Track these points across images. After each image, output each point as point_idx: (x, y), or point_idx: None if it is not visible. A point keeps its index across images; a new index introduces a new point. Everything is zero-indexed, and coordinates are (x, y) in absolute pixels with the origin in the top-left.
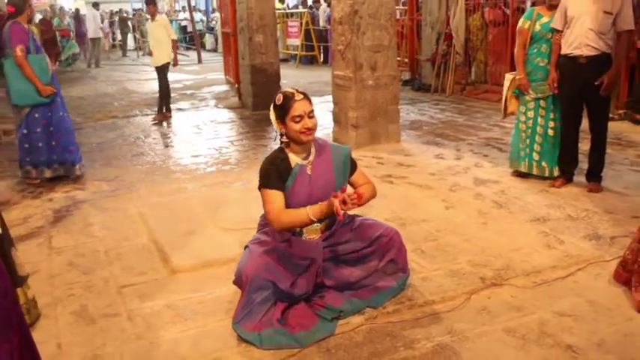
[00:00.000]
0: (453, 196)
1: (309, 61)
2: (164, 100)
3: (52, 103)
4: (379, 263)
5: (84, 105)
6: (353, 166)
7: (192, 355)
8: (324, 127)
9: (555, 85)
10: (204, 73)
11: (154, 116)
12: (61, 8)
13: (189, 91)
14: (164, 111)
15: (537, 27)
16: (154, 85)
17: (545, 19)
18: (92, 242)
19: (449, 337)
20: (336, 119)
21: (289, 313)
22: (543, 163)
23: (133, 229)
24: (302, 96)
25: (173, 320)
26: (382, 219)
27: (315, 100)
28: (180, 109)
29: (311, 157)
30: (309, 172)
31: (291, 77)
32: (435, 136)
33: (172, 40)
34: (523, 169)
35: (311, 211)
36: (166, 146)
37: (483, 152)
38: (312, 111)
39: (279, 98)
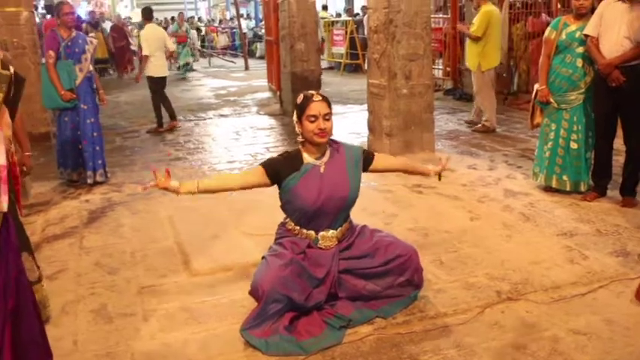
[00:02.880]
0: (480, 207)
1: (354, 69)
2: (159, 111)
3: (77, 108)
4: (394, 281)
5: (130, 110)
6: (369, 158)
7: (199, 357)
8: (362, 135)
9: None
10: (249, 80)
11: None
12: (180, 14)
13: (232, 98)
14: (157, 125)
15: (563, 36)
16: (199, 92)
17: (571, 28)
18: (120, 243)
19: (456, 350)
20: (371, 127)
21: (299, 321)
22: (564, 177)
23: (160, 232)
24: (320, 97)
25: (186, 322)
26: (405, 228)
27: (355, 107)
28: (222, 115)
29: (325, 158)
30: (322, 171)
31: (334, 85)
32: (470, 147)
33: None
34: (542, 181)
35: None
36: (204, 151)
37: (517, 164)
38: (329, 114)
39: (299, 97)
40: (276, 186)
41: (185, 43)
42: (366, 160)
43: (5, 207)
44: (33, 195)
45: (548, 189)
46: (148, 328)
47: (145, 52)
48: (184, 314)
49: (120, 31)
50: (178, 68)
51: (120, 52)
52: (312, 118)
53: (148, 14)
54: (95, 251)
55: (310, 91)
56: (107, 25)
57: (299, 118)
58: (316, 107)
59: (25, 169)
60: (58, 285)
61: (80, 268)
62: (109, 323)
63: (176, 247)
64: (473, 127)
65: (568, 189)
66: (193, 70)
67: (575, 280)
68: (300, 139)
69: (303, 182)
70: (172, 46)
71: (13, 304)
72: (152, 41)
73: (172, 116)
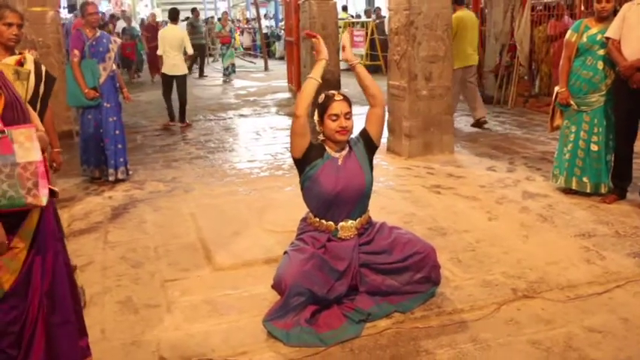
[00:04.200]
0: (499, 208)
1: (374, 70)
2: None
3: (100, 106)
4: (412, 277)
5: (150, 109)
6: (368, 139)
7: (222, 347)
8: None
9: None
10: (269, 81)
11: (181, 125)
12: (224, 13)
13: (252, 98)
14: (179, 120)
15: (584, 39)
16: (219, 92)
17: (592, 31)
18: (144, 239)
19: (472, 345)
20: (390, 128)
21: (320, 314)
22: (584, 179)
23: (183, 228)
24: (342, 97)
25: (209, 314)
26: (424, 227)
27: None
28: (242, 115)
29: (343, 152)
30: (340, 163)
31: (353, 86)
32: (490, 148)
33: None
34: (563, 183)
35: (312, 74)
36: (224, 150)
37: (537, 166)
38: (349, 113)
39: (321, 97)
40: (296, 178)
41: (229, 44)
42: (367, 143)
43: (45, 201)
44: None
45: (567, 191)
46: (172, 319)
47: (158, 52)
48: (207, 307)
49: (153, 30)
50: (227, 69)
51: (154, 52)
52: (334, 117)
53: (172, 15)
54: (120, 246)
55: (331, 91)
56: (135, 25)
57: (320, 117)
58: (338, 106)
59: (55, 165)
60: (86, 277)
61: (106, 261)
62: (134, 314)
63: (198, 242)
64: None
65: (588, 191)
66: (234, 72)
67: (592, 279)
68: (321, 137)
69: (323, 170)
70: (190, 49)
71: (49, 286)
72: (166, 40)
73: (170, 116)
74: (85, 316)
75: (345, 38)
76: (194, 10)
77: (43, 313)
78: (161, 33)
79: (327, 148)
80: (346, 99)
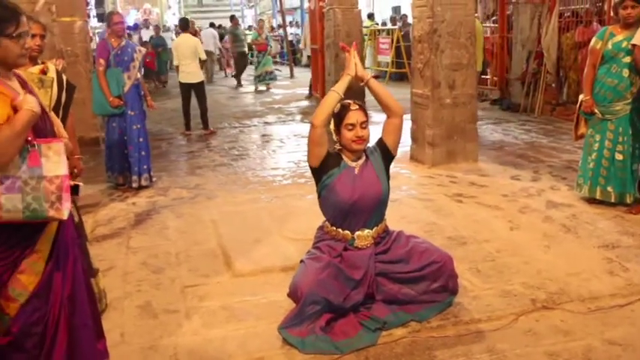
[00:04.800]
0: (521, 217)
1: (400, 78)
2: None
3: (124, 114)
4: (429, 286)
5: (176, 117)
6: (385, 148)
7: (238, 353)
8: (404, 144)
9: None
10: (294, 88)
11: (205, 133)
12: (260, 21)
13: (277, 106)
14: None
15: (609, 46)
16: (244, 99)
17: (617, 38)
18: (166, 245)
19: (488, 355)
20: (414, 137)
21: (335, 322)
22: (609, 188)
23: (204, 235)
24: (357, 106)
25: (227, 320)
26: (444, 237)
27: None
28: (267, 123)
29: (360, 162)
30: (356, 172)
31: None
32: (515, 157)
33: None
34: (586, 193)
35: (335, 87)
36: (248, 158)
37: (562, 175)
38: (365, 122)
39: (337, 107)
40: (313, 185)
41: (265, 51)
42: (384, 153)
43: (66, 215)
44: (82, 197)
45: (592, 201)
46: (190, 324)
47: (174, 62)
48: (225, 312)
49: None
50: (259, 76)
51: None
52: (350, 127)
53: (183, 25)
54: (141, 251)
55: (347, 101)
56: (167, 35)
57: (337, 126)
58: (354, 116)
59: (75, 171)
60: (107, 282)
61: (127, 266)
62: (153, 318)
63: (219, 249)
64: None
65: (613, 200)
66: (274, 80)
67: (614, 291)
68: (337, 146)
69: (340, 179)
70: (203, 55)
71: (70, 291)
72: (180, 49)
73: (187, 125)
74: (104, 319)
75: (353, 54)
76: (233, 18)
77: (65, 314)
78: (174, 43)
79: (343, 157)
80: (362, 108)
